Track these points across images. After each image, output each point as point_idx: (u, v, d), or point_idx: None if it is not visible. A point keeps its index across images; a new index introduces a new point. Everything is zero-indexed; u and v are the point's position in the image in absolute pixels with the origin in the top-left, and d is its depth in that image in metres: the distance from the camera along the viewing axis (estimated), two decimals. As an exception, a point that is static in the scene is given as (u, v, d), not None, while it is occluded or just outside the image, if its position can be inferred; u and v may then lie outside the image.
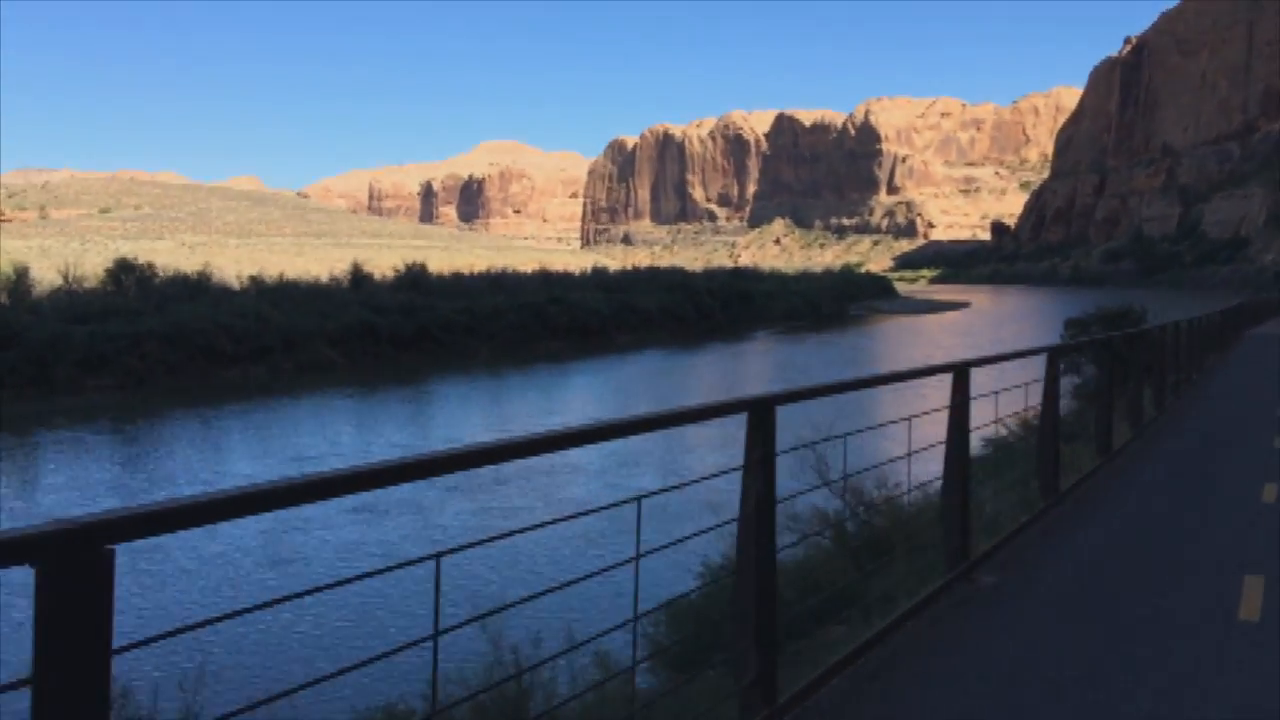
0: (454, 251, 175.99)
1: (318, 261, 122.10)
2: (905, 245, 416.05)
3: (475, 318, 69.66)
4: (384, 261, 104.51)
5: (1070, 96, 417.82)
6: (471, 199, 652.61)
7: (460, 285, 78.03)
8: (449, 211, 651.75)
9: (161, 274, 64.89)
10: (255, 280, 67.00)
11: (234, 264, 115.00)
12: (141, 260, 66.60)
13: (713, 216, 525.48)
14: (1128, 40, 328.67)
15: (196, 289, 61.74)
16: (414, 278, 74.31)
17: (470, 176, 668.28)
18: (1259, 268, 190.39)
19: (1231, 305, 44.28)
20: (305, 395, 47.51)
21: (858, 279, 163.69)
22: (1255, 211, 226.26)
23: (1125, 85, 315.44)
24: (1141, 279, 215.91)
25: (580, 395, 48.28)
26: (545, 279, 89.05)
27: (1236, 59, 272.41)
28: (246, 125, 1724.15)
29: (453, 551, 3.58)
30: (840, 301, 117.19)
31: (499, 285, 79.47)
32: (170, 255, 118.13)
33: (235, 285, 66.87)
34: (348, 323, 61.34)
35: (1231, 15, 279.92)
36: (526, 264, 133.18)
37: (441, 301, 70.07)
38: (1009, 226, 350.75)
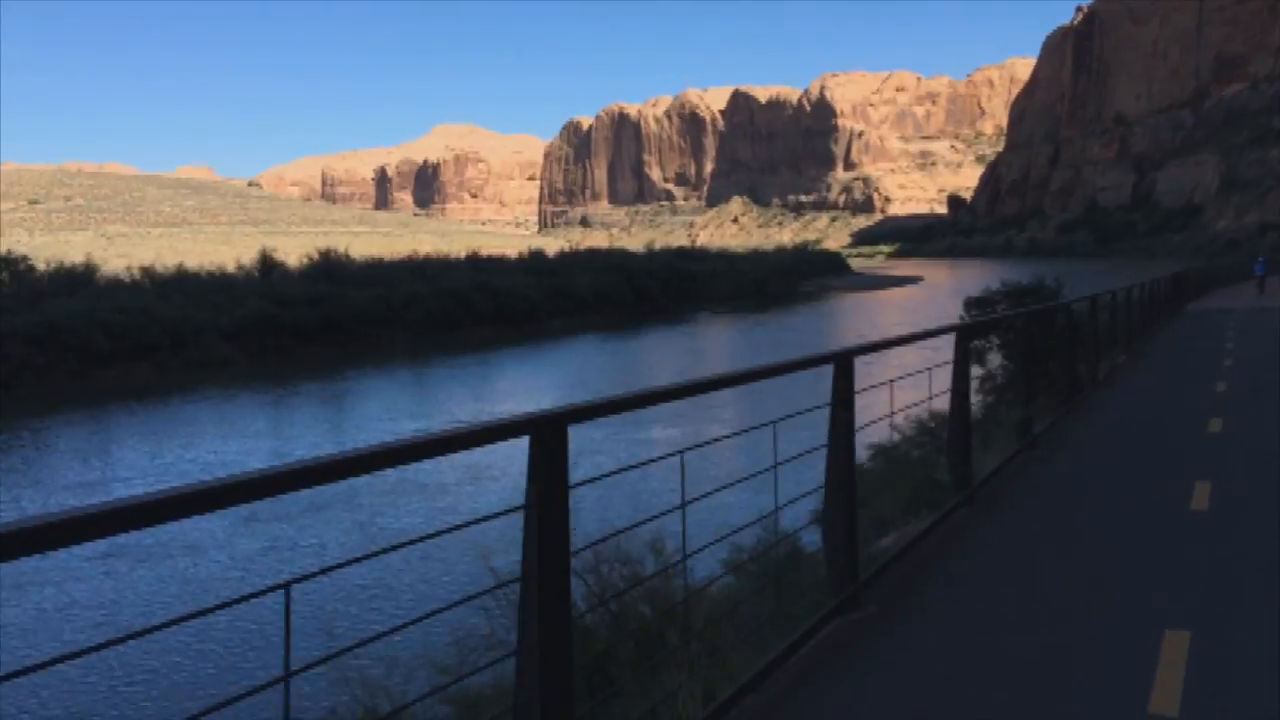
0: (395, 238, 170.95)
1: (247, 251, 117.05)
2: (863, 221, 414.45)
3: (391, 306, 65.49)
4: (318, 249, 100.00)
5: (1024, 68, 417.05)
6: (427, 184, 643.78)
7: (379, 272, 73.56)
8: (405, 197, 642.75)
9: (46, 267, 60.12)
10: (147, 272, 62.17)
11: (153, 254, 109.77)
12: (47, 253, 61.88)
13: (670, 196, 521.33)
14: (1079, 9, 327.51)
15: (78, 283, 57.01)
16: (327, 266, 69.78)
17: (425, 161, 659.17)
18: (1212, 235, 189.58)
19: (1166, 275, 36.75)
20: (191, 396, 43.38)
21: (809, 256, 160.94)
22: (1208, 179, 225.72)
23: (1078, 55, 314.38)
24: (1097, 249, 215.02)
25: (484, 387, 44.33)
26: (474, 264, 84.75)
27: (1187, 25, 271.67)
28: (198, 115, 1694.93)
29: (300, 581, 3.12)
30: (789, 280, 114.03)
31: (421, 271, 75.07)
32: (86, 246, 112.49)
33: (126, 278, 62.01)
34: (245, 315, 56.96)
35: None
36: (476, 248, 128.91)
37: (355, 290, 65.78)
38: (965, 200, 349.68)
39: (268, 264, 69.97)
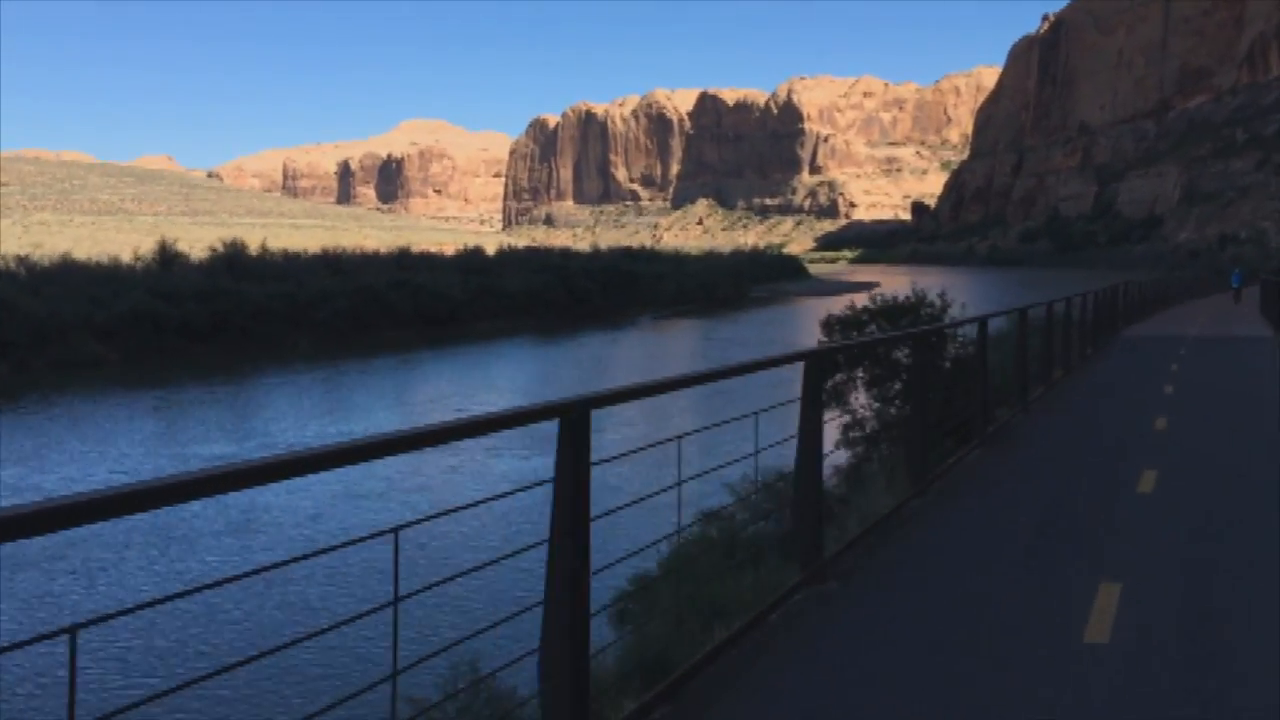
0: (340, 232, 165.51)
1: (178, 241, 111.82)
2: (828, 225, 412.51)
3: (295, 304, 60.57)
4: (253, 240, 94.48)
5: (991, 76, 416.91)
6: (390, 179, 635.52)
7: (290, 267, 68.58)
8: (367, 192, 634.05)
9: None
10: (23, 261, 56.80)
11: (70, 243, 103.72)
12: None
13: (636, 197, 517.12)
14: (1046, 18, 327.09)
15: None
16: (230, 258, 64.66)
17: (389, 156, 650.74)
18: (1173, 246, 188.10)
19: (1101, 289, 26.69)
20: (51, 400, 38.51)
21: (766, 259, 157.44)
22: (1169, 190, 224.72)
23: (1043, 64, 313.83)
24: (1057, 258, 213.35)
25: (360, 397, 39.67)
26: (399, 260, 79.86)
27: (1153, 36, 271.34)
28: (161, 104, 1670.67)
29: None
30: (740, 283, 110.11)
31: (337, 267, 70.16)
32: (3, 234, 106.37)
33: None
34: (125, 311, 51.87)
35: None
36: (426, 245, 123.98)
37: (258, 285, 60.80)
38: (929, 206, 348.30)
39: (167, 255, 64.75)
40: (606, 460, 4.92)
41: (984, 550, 8.31)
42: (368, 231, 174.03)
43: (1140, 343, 27.51)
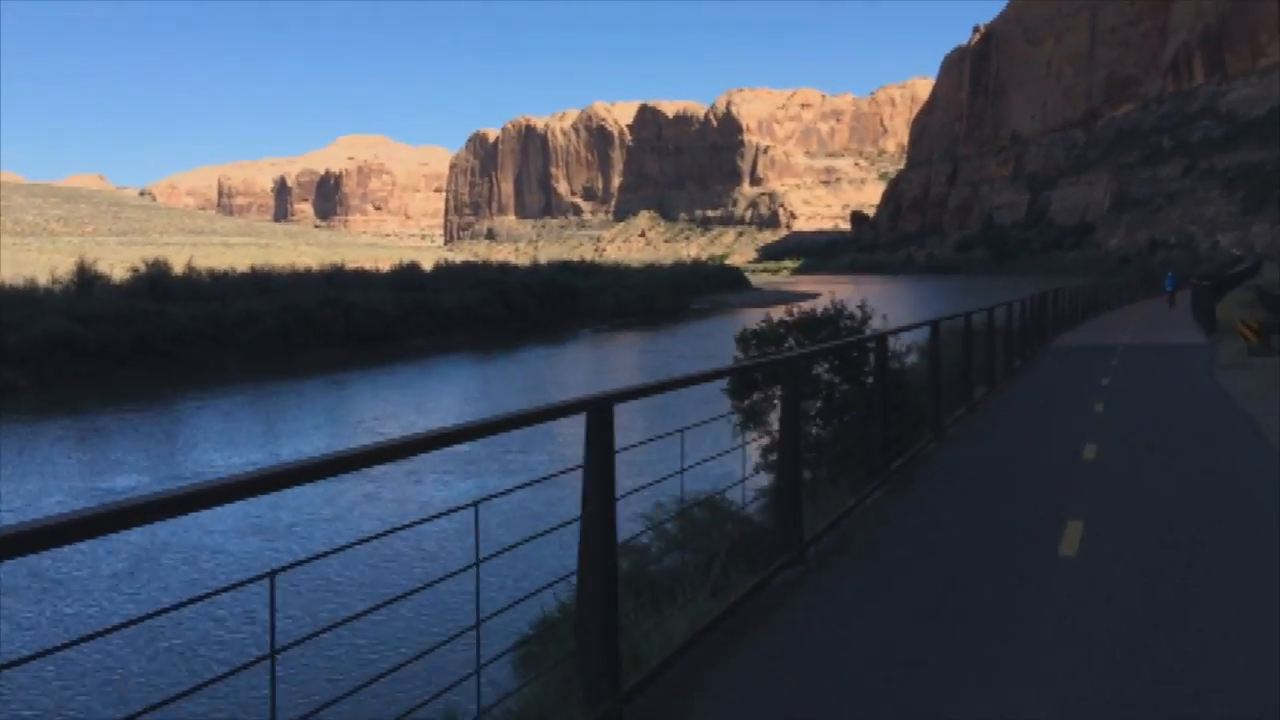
0: (274, 249, 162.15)
1: (102, 261, 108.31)
2: (769, 236, 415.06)
3: (221, 325, 58.68)
4: (182, 260, 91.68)
5: (925, 87, 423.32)
6: (329, 195, 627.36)
7: (216, 287, 66.54)
8: (305, 209, 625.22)
9: None
10: (-72, 285, 54.28)
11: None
12: None
13: (578, 210, 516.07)
14: (977, 29, 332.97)
15: None
16: (152, 278, 62.50)
17: (327, 172, 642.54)
18: (1105, 252, 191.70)
19: (1028, 297, 25.18)
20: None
21: (707, 271, 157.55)
22: (1100, 197, 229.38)
23: (975, 74, 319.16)
24: (994, 266, 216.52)
25: (289, 420, 38.17)
26: (330, 278, 78.05)
27: (1080, 47, 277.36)
28: (92, 121, 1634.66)
29: None
30: (681, 295, 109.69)
31: (266, 286, 68.24)
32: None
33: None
34: (38, 335, 49.69)
35: (1075, 3, 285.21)
36: (362, 261, 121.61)
37: (181, 306, 58.80)
38: (868, 216, 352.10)
39: (86, 276, 62.40)
40: (633, 446, 5.31)
41: (848, 663, 6.10)
42: (303, 249, 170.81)
43: (1071, 353, 25.84)
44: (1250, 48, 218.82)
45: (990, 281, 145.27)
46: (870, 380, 11.61)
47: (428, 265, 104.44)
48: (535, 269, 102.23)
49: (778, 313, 16.32)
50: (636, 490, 6.48)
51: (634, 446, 5.95)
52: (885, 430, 10.35)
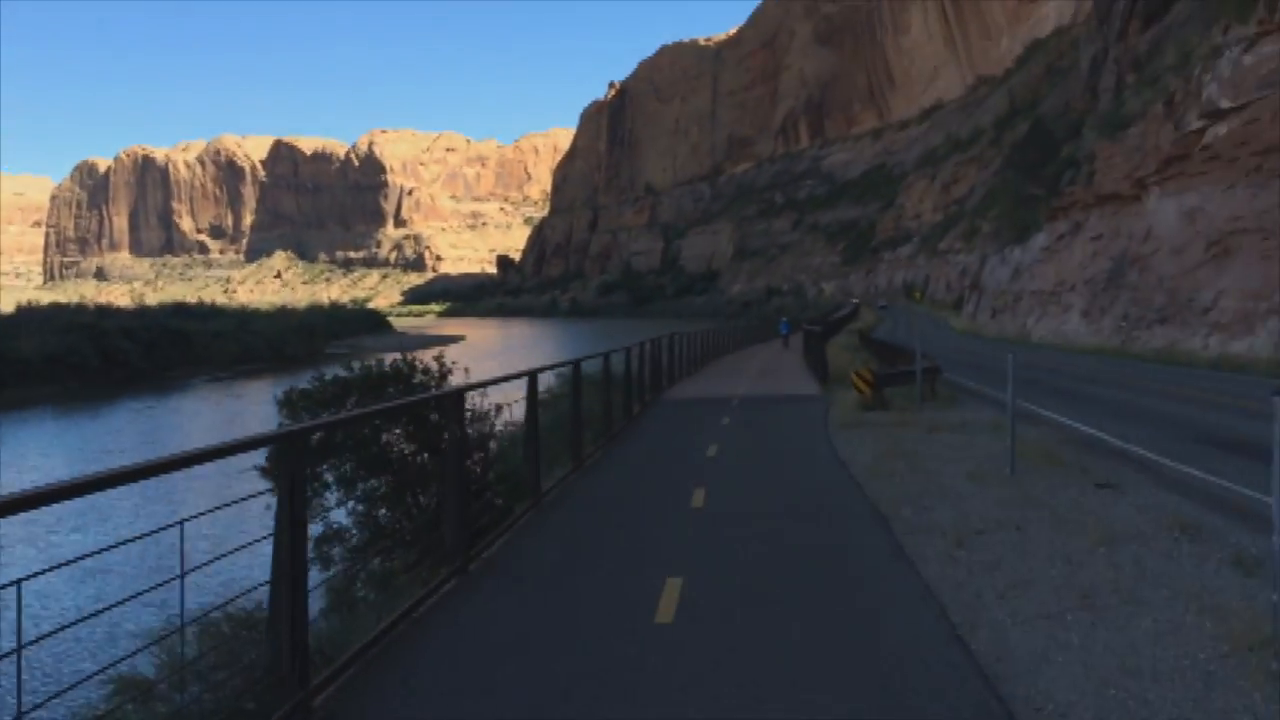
0: None
1: None
2: (415, 279, 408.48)
3: None
4: None
5: (566, 137, 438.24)
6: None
7: None
8: None
9: None
10: None
11: None
12: None
13: (205, 249, 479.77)
14: (612, 85, 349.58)
15: None
16: None
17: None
18: (729, 298, 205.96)
19: (631, 345, 20.25)
20: None
21: (345, 314, 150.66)
22: (724, 246, 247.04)
23: (612, 127, 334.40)
24: (633, 309, 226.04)
25: None
26: None
27: (704, 107, 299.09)
28: None
29: None
30: (314, 340, 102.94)
31: None
32: None
33: None
34: None
35: (698, 67, 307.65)
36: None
37: None
38: (514, 261, 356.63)
39: None
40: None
41: None
42: None
43: (680, 410, 21.59)
44: (845, 116, 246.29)
45: (628, 324, 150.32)
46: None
47: (9, 307, 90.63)
48: (142, 311, 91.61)
49: (423, 356, 13.51)
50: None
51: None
52: (462, 509, 7.94)
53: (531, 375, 10.54)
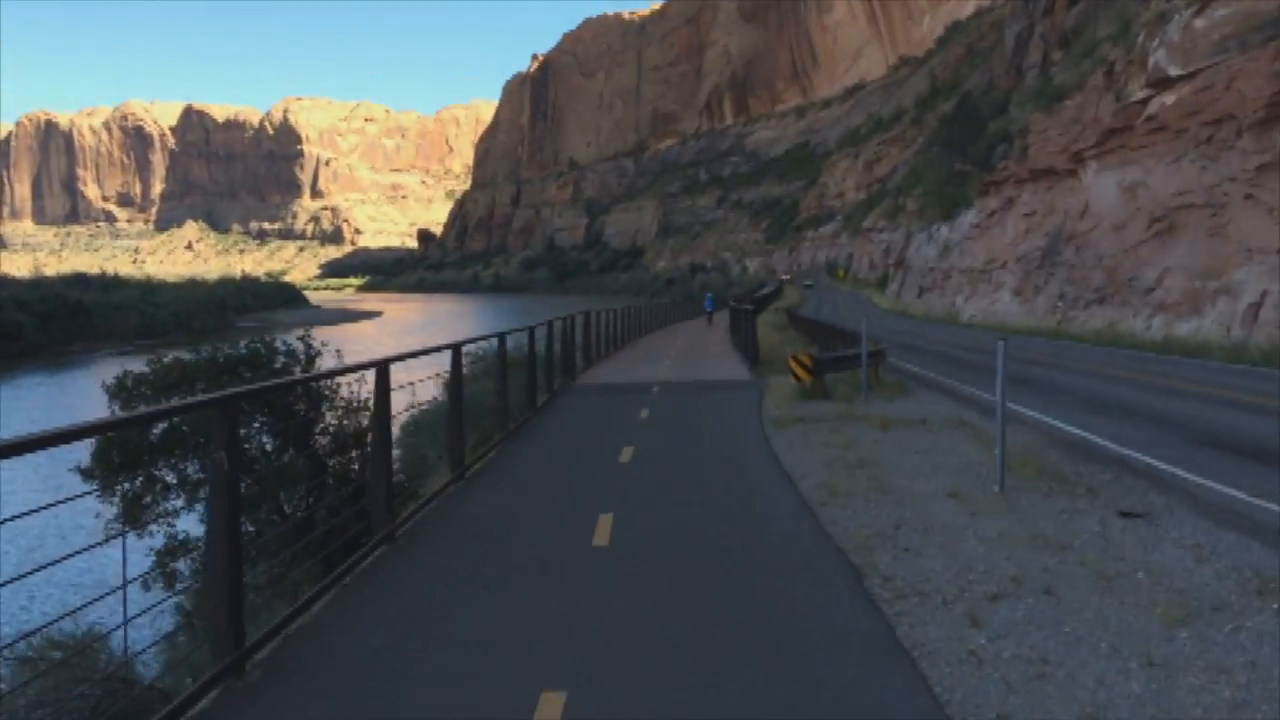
0: None
1: None
2: (334, 251, 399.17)
3: None
4: None
5: (489, 109, 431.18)
6: None
7: None
8: None
9: None
10: None
11: None
12: None
13: (112, 218, 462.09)
14: (535, 57, 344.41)
15: None
16: None
17: None
18: (653, 275, 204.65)
19: (535, 325, 17.66)
20: None
21: (257, 288, 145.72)
22: (648, 223, 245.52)
23: (535, 101, 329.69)
24: (556, 286, 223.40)
25: None
26: None
27: (629, 82, 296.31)
28: None
29: None
30: (224, 313, 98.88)
31: None
32: None
33: None
34: None
35: (623, 41, 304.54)
36: None
37: None
38: (435, 235, 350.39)
39: None
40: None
41: None
42: None
43: (593, 399, 18.97)
44: (769, 94, 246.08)
45: (552, 300, 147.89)
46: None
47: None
48: (39, 282, 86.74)
49: (340, 331, 11.68)
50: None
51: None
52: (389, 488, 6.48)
53: (382, 365, 7.95)
